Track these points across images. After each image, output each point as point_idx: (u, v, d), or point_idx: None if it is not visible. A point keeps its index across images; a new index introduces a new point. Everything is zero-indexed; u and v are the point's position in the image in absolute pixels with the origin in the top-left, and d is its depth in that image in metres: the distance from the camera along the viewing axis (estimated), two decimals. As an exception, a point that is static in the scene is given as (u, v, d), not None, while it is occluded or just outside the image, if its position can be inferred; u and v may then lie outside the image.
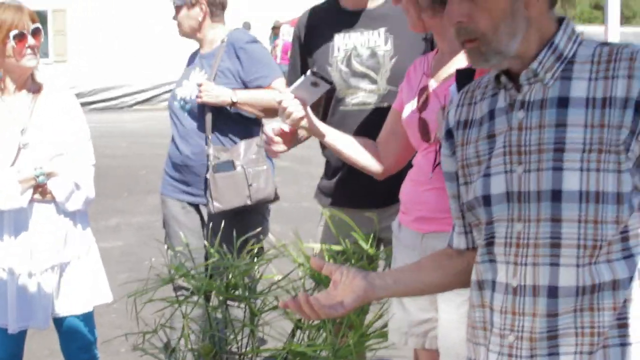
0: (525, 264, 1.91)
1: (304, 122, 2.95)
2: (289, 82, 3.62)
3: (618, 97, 1.82)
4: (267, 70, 4.29)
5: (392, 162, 3.09)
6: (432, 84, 2.84)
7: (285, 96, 2.94)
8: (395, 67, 3.46)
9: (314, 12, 3.73)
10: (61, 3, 22.60)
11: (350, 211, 3.50)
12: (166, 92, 19.69)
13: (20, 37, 3.51)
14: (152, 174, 10.22)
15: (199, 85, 4.19)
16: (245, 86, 4.25)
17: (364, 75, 3.51)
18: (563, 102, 1.87)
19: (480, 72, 2.47)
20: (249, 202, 4.20)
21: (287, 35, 20.29)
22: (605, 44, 1.92)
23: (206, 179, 4.22)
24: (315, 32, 3.66)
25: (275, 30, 21.91)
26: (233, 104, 4.18)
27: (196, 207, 4.36)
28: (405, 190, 2.94)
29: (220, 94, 4.18)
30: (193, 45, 4.52)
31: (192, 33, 4.36)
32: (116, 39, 22.08)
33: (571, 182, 1.84)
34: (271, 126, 3.19)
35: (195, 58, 4.45)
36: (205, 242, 3.82)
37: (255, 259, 3.42)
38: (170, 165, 4.40)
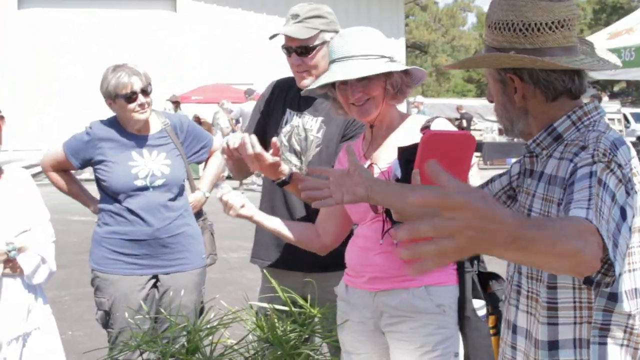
0: (515, 306, 2.38)
1: (245, 211, 3.33)
2: (247, 130, 4.06)
3: (559, 177, 2.17)
4: (204, 145, 4.85)
5: (331, 239, 3.45)
6: (377, 163, 3.20)
7: (226, 191, 3.32)
8: (318, 154, 3.83)
9: (279, 84, 4.09)
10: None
11: (284, 273, 3.89)
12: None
13: None
14: (53, 250, 10.27)
15: (191, 202, 4.84)
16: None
17: (295, 153, 3.88)
18: (540, 176, 2.26)
19: (423, 150, 2.88)
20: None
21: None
22: (590, 130, 2.22)
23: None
24: (275, 102, 4.04)
25: (175, 104, 22.11)
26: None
27: (155, 279, 4.60)
28: (353, 256, 3.28)
29: (201, 201, 4.97)
30: (76, 124, 4.77)
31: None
32: (8, 113, 22.06)
33: None
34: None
35: (128, 140, 4.59)
36: (162, 310, 4.08)
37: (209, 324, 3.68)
38: (124, 244, 4.53)
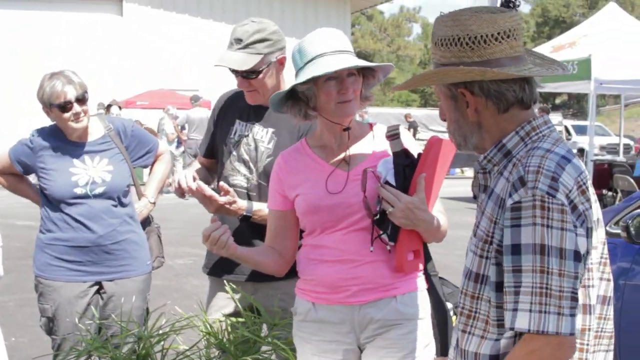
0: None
1: (231, 250, 3.15)
2: (201, 145, 4.21)
3: (502, 198, 2.18)
4: (149, 149, 4.82)
5: (291, 256, 3.31)
6: (380, 165, 3.07)
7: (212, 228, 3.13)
8: (268, 165, 3.79)
9: (230, 95, 4.10)
10: None
11: (236, 284, 3.85)
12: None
13: None
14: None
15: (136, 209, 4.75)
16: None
17: (245, 162, 3.89)
18: (491, 194, 2.25)
19: (429, 154, 2.97)
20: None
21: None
22: (533, 147, 2.19)
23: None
24: (225, 113, 4.04)
25: (108, 108, 21.96)
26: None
27: (99, 285, 4.56)
28: (326, 272, 3.11)
29: (147, 208, 4.89)
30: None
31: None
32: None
33: (468, 260, 2.29)
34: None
35: (69, 147, 4.54)
36: (113, 316, 4.07)
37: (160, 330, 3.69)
38: (67, 251, 4.49)
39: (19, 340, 7.18)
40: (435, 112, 34.07)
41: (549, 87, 18.72)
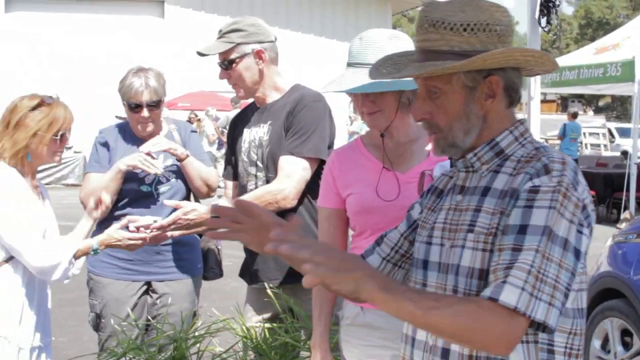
0: None
1: None
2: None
3: (511, 189, 2.07)
4: (200, 159, 4.69)
5: None
6: (436, 169, 2.94)
7: None
8: (268, 156, 3.85)
9: (238, 115, 4.20)
10: None
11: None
12: None
13: None
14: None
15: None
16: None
17: (254, 164, 3.92)
18: (485, 191, 2.13)
19: None
20: None
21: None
22: (541, 147, 2.14)
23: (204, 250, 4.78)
24: (236, 129, 4.12)
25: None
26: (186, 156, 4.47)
27: (148, 285, 4.54)
28: None
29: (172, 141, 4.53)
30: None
31: None
32: None
33: (465, 259, 2.12)
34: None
35: (138, 144, 4.45)
36: (149, 317, 4.06)
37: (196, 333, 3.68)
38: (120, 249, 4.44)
39: (58, 340, 7.22)
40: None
41: (593, 89, 18.51)
